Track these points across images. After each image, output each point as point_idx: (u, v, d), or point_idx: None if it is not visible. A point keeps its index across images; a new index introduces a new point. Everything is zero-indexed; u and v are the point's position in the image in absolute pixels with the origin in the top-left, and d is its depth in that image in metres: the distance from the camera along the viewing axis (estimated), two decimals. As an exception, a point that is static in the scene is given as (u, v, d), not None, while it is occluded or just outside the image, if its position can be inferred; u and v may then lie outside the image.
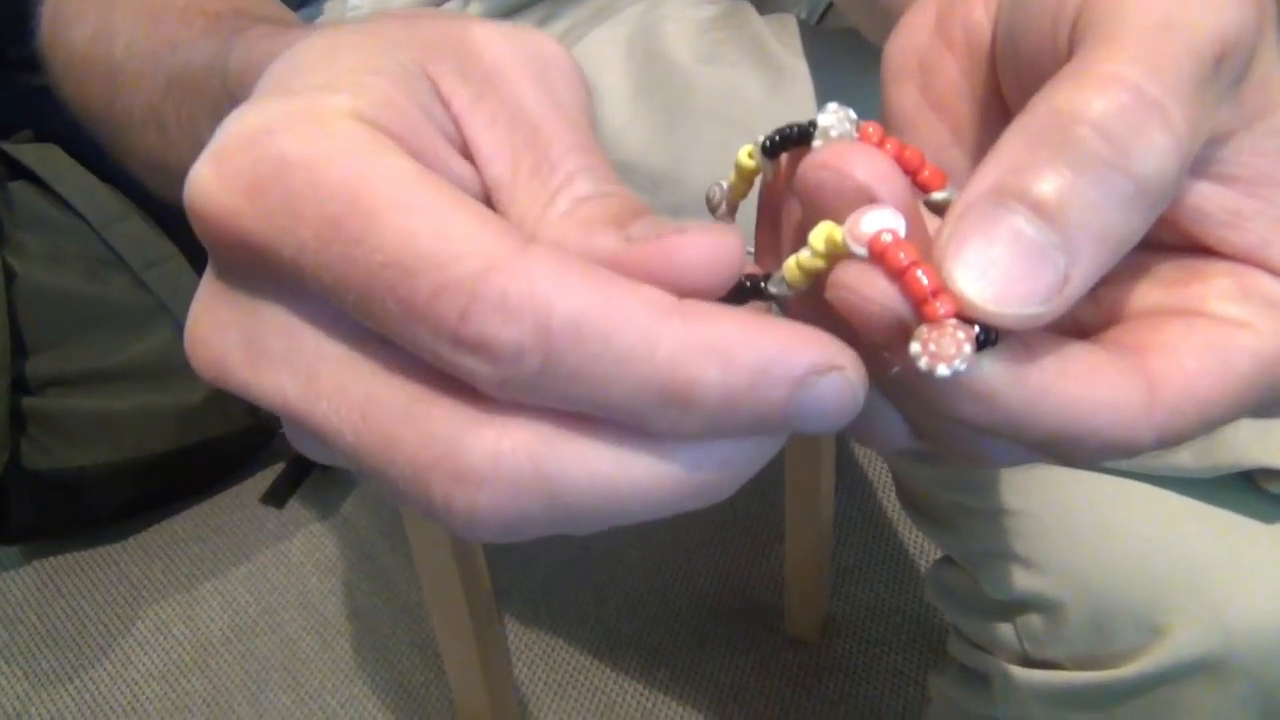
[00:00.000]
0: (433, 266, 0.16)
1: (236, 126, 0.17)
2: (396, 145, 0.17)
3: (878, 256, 0.17)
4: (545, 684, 1.04)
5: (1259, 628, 0.43)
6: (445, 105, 0.19)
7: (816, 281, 0.19)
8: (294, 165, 0.16)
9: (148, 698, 1.05)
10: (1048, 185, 0.17)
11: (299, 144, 0.17)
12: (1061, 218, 0.17)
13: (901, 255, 0.17)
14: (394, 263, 0.16)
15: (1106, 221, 0.17)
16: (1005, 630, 0.50)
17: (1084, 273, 0.17)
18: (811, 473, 0.94)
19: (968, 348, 0.17)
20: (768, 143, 0.22)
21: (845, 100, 0.22)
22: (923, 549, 1.12)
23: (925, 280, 0.17)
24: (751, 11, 0.54)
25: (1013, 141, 0.18)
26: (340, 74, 0.18)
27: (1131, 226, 0.18)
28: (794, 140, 0.21)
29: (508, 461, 0.16)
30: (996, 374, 0.18)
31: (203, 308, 0.19)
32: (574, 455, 0.16)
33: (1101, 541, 0.45)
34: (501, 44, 0.20)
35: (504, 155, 0.19)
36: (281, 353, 0.18)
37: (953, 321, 0.17)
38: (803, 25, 0.53)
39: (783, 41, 0.51)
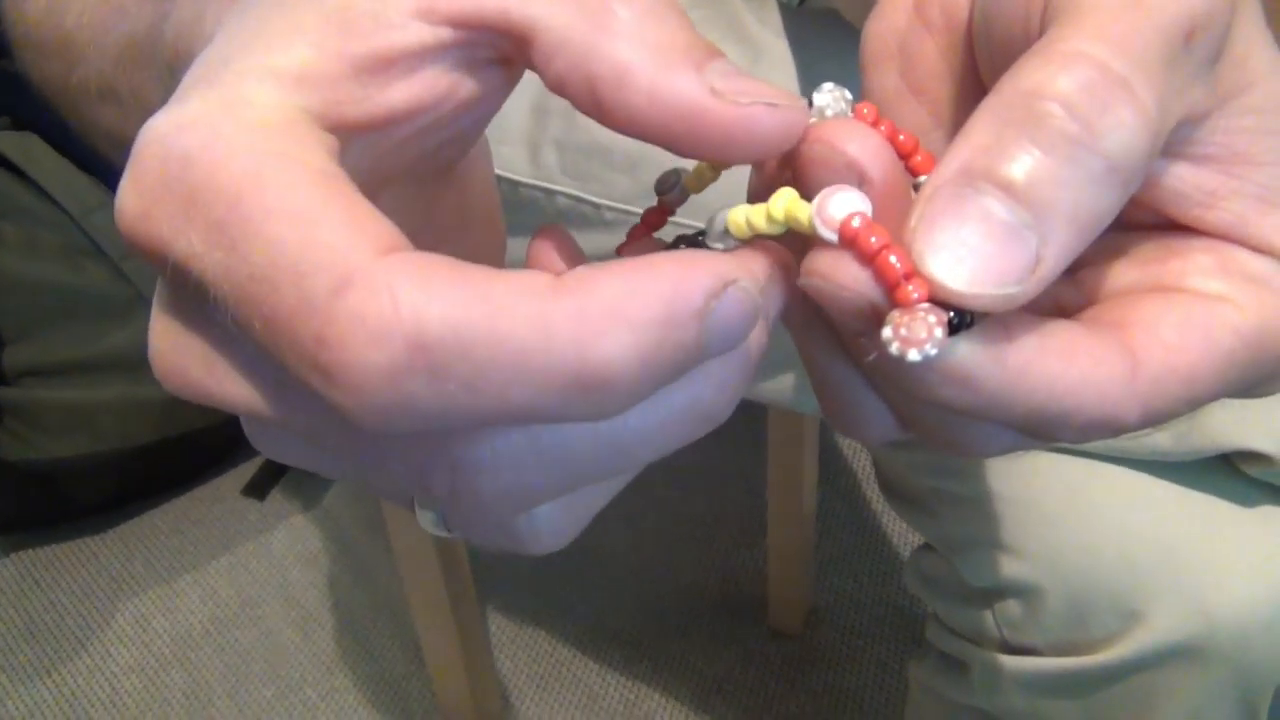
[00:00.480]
0: (291, 281, 0.14)
1: (153, 124, 0.16)
2: (309, 137, 0.16)
3: (848, 241, 0.17)
4: (528, 676, 1.03)
5: (1238, 613, 0.43)
6: None
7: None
8: (194, 163, 0.15)
9: (127, 691, 1.04)
10: (1017, 165, 0.17)
11: (202, 141, 0.16)
12: (1032, 197, 0.17)
13: (873, 239, 0.17)
14: (259, 275, 0.14)
15: (1077, 200, 0.17)
16: (984, 617, 0.49)
17: (1057, 252, 0.17)
18: (794, 464, 0.94)
19: (939, 331, 0.17)
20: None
21: (825, 79, 0.21)
22: (905, 540, 1.12)
23: (898, 264, 0.17)
24: (730, -9, 0.53)
25: (981, 122, 0.18)
26: (270, 42, 0.17)
27: (1103, 204, 0.17)
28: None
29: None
30: (974, 356, 0.18)
31: (156, 319, 0.18)
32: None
33: (1080, 526, 0.45)
34: None
35: None
36: (234, 362, 0.17)
37: (924, 305, 0.17)
38: (782, 5, 0.52)
39: (762, 20, 0.50)
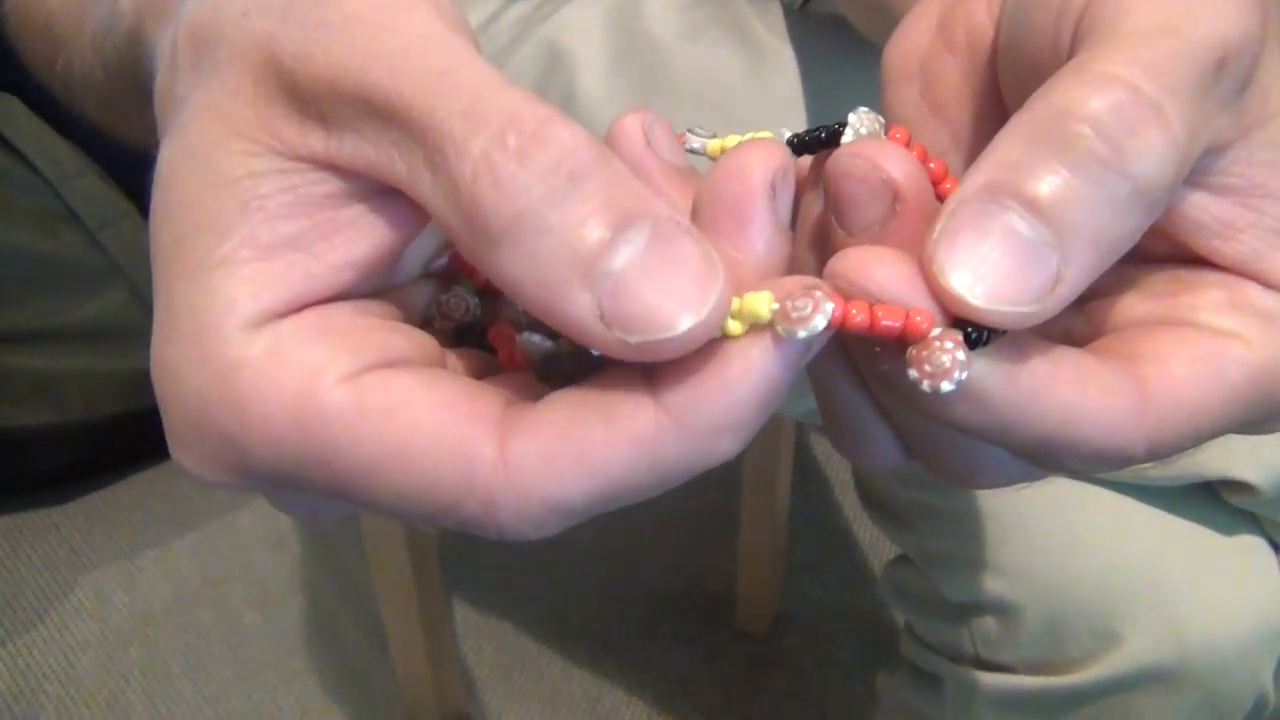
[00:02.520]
0: (449, 503, 0.18)
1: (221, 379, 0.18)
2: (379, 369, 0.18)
3: (838, 325, 0.17)
4: (491, 668, 1.03)
5: (1213, 639, 0.43)
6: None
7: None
8: (332, 421, 0.17)
9: (83, 666, 1.03)
10: (1043, 183, 0.17)
11: (338, 408, 0.18)
12: (1056, 216, 0.17)
13: (856, 314, 0.17)
14: (418, 492, 0.18)
15: (1101, 222, 0.17)
16: (960, 632, 0.49)
17: (1077, 273, 0.17)
18: (769, 467, 0.94)
19: (960, 355, 0.17)
20: (795, 140, 0.22)
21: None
22: (876, 548, 1.12)
23: (893, 321, 0.17)
24: (735, -9, 0.53)
25: (1008, 138, 0.18)
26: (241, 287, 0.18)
27: (1127, 228, 0.17)
28: (822, 142, 0.21)
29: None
30: (987, 374, 0.18)
31: (187, 448, 0.19)
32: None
33: (1061, 547, 0.45)
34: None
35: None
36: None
37: (936, 332, 0.17)
38: (786, 8, 0.52)
39: (765, 23, 0.50)
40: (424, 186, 0.17)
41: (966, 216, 0.17)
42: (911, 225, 0.18)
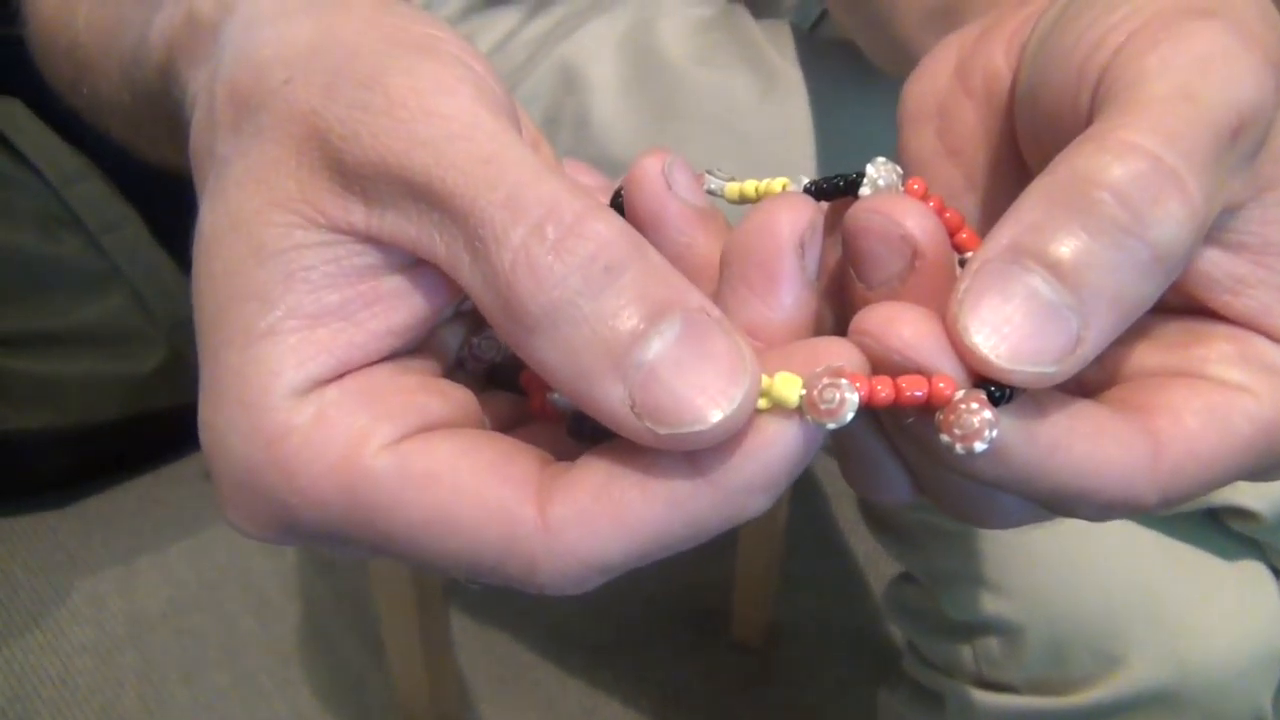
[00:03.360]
0: (494, 561, 0.18)
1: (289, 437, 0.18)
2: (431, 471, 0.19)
3: (868, 401, 0.18)
4: (487, 678, 1.03)
5: (1213, 663, 0.44)
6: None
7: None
8: (381, 487, 0.18)
9: (79, 670, 1.03)
10: (1065, 247, 0.17)
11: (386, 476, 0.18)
12: (1077, 280, 0.17)
13: (881, 391, 0.18)
14: (465, 553, 0.18)
15: (1121, 286, 0.18)
16: (963, 651, 0.50)
17: (1097, 335, 0.18)
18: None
19: (988, 414, 0.17)
20: (812, 187, 0.22)
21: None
22: (871, 561, 1.13)
23: (918, 391, 0.18)
24: (747, 15, 0.53)
25: (1031, 201, 0.18)
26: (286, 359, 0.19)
27: (1145, 292, 0.18)
28: (840, 190, 0.22)
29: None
30: (1009, 432, 0.18)
31: (236, 508, 0.19)
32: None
33: (1065, 569, 0.46)
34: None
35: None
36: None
37: (959, 395, 0.17)
38: (797, 32, 0.52)
39: (777, 47, 0.51)
40: (463, 269, 0.18)
41: (989, 278, 0.18)
42: (930, 280, 0.19)
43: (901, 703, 0.56)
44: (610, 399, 0.17)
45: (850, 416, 0.17)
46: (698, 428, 0.17)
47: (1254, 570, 0.45)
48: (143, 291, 1.13)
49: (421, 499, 0.18)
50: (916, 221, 0.19)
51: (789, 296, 0.19)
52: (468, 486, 0.18)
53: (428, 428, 0.19)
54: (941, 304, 0.18)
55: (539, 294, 0.17)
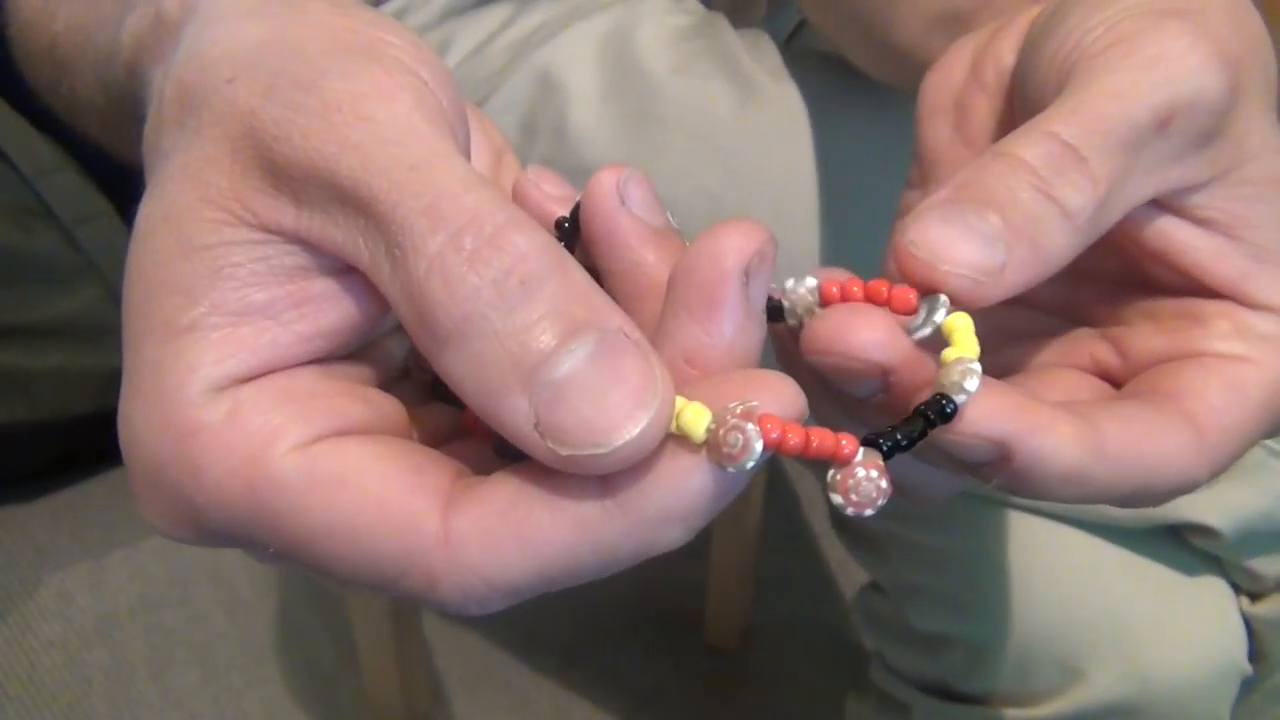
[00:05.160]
0: (394, 574, 0.18)
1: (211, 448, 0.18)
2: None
3: (775, 448, 0.17)
4: (459, 678, 1.03)
5: (1174, 677, 0.44)
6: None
7: None
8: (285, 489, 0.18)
9: (46, 667, 1.02)
10: (995, 198, 0.21)
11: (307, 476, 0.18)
12: (1004, 219, 0.21)
13: (791, 437, 0.17)
14: (367, 564, 0.18)
15: (1037, 232, 0.21)
16: (929, 662, 0.50)
17: (1017, 267, 0.21)
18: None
19: (884, 483, 0.18)
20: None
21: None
22: (845, 565, 1.13)
23: (823, 443, 0.18)
24: (726, 25, 0.53)
25: (971, 166, 0.22)
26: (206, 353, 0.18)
27: (1057, 241, 0.21)
28: (772, 317, 0.22)
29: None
30: (1081, 459, 0.20)
31: (147, 505, 0.19)
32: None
33: (1030, 584, 0.46)
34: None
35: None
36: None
37: (859, 459, 0.18)
38: (776, 42, 0.52)
39: (754, 59, 0.51)
40: (383, 276, 0.18)
41: (934, 211, 0.21)
42: (908, 381, 0.20)
43: (868, 712, 0.56)
44: (515, 416, 0.17)
45: (751, 465, 0.17)
46: (600, 451, 0.16)
47: (1214, 586, 0.46)
48: (117, 286, 1.13)
49: (325, 504, 0.17)
50: (873, 344, 0.20)
51: (729, 325, 0.18)
52: (373, 493, 0.17)
53: (343, 432, 0.18)
54: (912, 394, 0.20)
55: (450, 305, 0.17)
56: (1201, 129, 0.22)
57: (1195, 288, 0.24)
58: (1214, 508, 0.43)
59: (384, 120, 0.18)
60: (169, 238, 0.18)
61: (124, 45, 0.25)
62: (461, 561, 0.17)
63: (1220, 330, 0.23)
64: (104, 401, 1.12)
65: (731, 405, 0.17)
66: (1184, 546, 0.46)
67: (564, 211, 0.23)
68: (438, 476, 0.18)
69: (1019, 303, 0.25)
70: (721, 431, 0.17)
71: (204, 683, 1.02)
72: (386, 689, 0.94)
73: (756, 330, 0.19)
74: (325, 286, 0.19)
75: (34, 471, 1.15)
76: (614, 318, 0.17)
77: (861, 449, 0.18)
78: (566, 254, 0.18)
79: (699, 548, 1.07)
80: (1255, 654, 0.46)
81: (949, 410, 0.19)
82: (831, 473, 0.18)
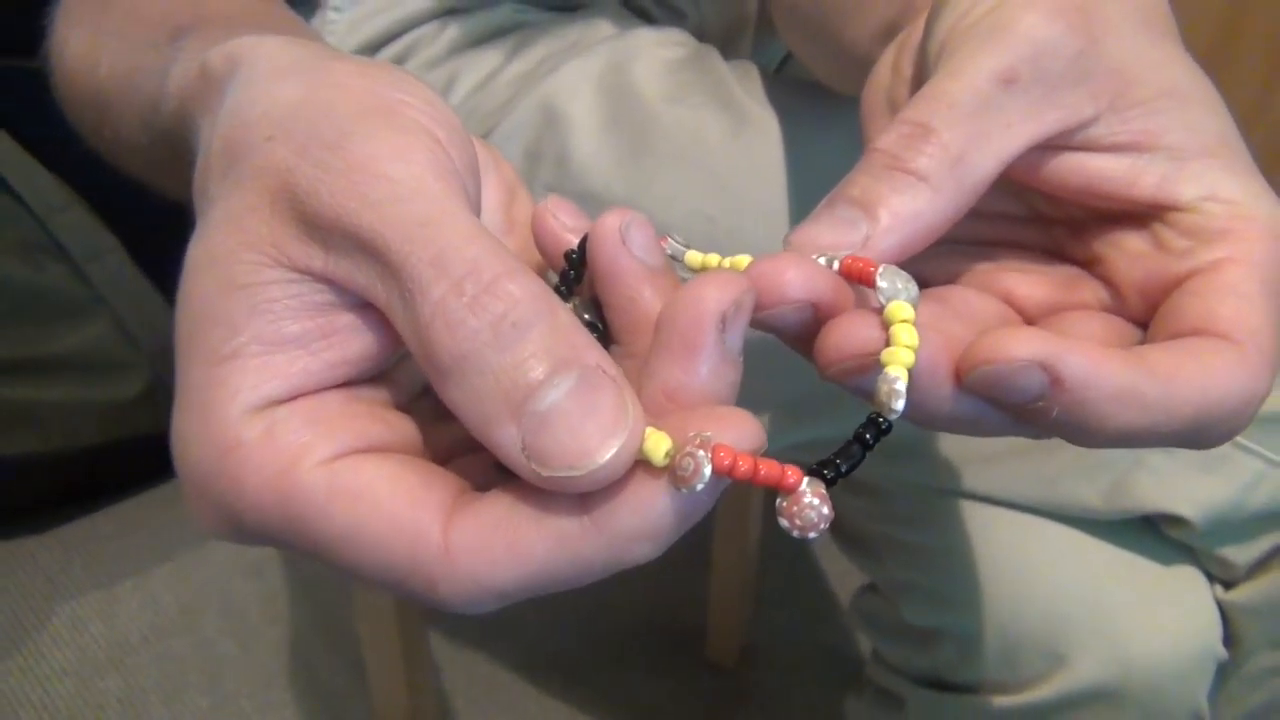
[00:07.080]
0: (401, 576, 0.20)
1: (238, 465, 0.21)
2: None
3: (725, 474, 0.19)
4: (465, 698, 1.04)
5: (1152, 661, 0.46)
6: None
7: None
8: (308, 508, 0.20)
9: (60, 695, 1.03)
10: (855, 187, 0.25)
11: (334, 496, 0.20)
12: (858, 199, 0.24)
13: (741, 465, 0.19)
14: (378, 568, 0.20)
15: (891, 200, 0.24)
16: (921, 655, 0.52)
17: (883, 234, 0.24)
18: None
19: (826, 510, 0.20)
20: None
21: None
22: (843, 581, 1.14)
23: (769, 472, 0.19)
24: (717, 56, 0.55)
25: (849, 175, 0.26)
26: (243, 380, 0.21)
27: (918, 203, 0.24)
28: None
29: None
30: (1129, 375, 0.21)
31: (196, 509, 0.22)
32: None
33: (1014, 577, 0.48)
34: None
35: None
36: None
37: (803, 487, 0.20)
38: (764, 72, 0.55)
39: (745, 88, 0.53)
40: (397, 315, 0.20)
41: (811, 216, 0.25)
42: (843, 303, 0.23)
43: (866, 707, 0.58)
44: (506, 441, 0.19)
45: (700, 487, 0.19)
46: (575, 473, 0.19)
47: (1189, 575, 0.48)
48: (125, 319, 1.15)
49: (344, 513, 0.20)
50: (798, 280, 0.23)
51: (705, 366, 0.20)
52: (384, 506, 0.20)
53: (364, 450, 0.21)
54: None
55: (451, 345, 0.19)
56: (1059, 73, 0.24)
57: (1130, 208, 0.25)
58: (1185, 499, 0.46)
59: (400, 179, 0.20)
60: (214, 277, 0.21)
61: (170, 95, 0.28)
62: (458, 568, 0.19)
63: (1185, 248, 0.24)
64: (111, 433, 1.14)
65: (691, 435, 0.19)
66: (1159, 537, 0.48)
67: (577, 240, 0.26)
68: (442, 491, 0.20)
69: (1010, 246, 0.28)
70: (678, 457, 0.19)
71: (215, 708, 1.03)
72: (395, 711, 0.94)
73: (731, 372, 0.21)
74: (350, 320, 0.21)
75: (43, 504, 1.17)
76: (593, 355, 0.20)
77: (806, 478, 0.20)
78: (555, 298, 0.20)
79: (699, 565, 1.08)
80: (1230, 639, 0.48)
81: (885, 427, 0.21)
82: (779, 500, 0.20)
